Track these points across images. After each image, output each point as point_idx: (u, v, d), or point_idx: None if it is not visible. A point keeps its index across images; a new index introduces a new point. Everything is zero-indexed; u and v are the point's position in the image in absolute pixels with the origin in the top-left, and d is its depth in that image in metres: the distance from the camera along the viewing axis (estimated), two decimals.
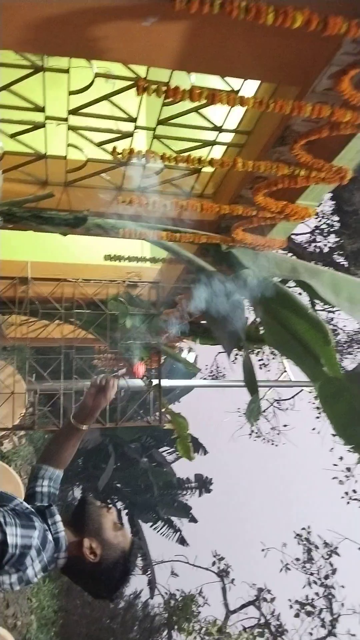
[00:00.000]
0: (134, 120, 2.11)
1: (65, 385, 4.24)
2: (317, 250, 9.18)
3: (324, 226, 8.74)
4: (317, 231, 8.88)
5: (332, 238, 8.60)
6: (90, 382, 2.00)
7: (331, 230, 8.57)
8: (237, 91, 1.92)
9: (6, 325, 4.18)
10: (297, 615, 9.66)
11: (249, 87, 1.96)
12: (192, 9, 1.20)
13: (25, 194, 2.33)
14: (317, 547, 9.83)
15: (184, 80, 1.87)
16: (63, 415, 4.12)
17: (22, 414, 4.31)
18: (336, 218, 7.02)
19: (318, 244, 9.21)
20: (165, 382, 7.45)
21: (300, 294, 2.64)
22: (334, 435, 2.30)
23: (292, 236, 9.33)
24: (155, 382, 4.26)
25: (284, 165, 1.81)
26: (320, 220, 8.82)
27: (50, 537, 1.52)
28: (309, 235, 9.26)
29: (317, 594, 9.54)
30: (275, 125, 1.89)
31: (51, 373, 4.24)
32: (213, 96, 1.46)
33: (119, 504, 17.09)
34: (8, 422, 3.92)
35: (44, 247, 3.80)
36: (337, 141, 1.78)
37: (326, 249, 8.91)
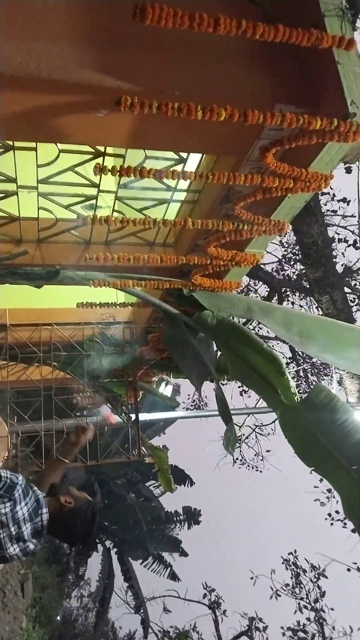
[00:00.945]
0: (97, 185, 2.37)
1: (46, 426, 4.36)
2: (286, 277, 9.55)
3: (290, 255, 9.15)
4: (284, 260, 9.27)
5: (299, 265, 8.99)
6: (75, 425, 2.41)
7: (297, 258, 8.97)
8: (185, 160, 2.19)
9: None
10: None
11: (196, 156, 2.23)
12: (135, 111, 1.47)
13: (1, 253, 2.54)
14: (305, 570, 9.88)
15: (140, 151, 2.14)
16: (45, 455, 4.24)
17: (5, 457, 4.42)
18: (298, 248, 7.40)
19: (287, 272, 9.59)
20: (145, 416, 7.58)
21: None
22: None
23: (262, 266, 9.69)
24: (134, 417, 4.42)
25: (228, 221, 2.08)
26: (286, 250, 9.22)
27: (31, 492, 2.11)
28: (277, 264, 9.64)
29: (308, 619, 9.55)
30: (220, 187, 2.16)
31: (32, 414, 4.38)
32: (160, 173, 1.72)
33: (108, 543, 16.84)
34: None
35: (20, 294, 4.00)
36: (272, 200, 2.05)
37: (294, 276, 9.29)
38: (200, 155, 2.25)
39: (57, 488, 2.30)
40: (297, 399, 2.33)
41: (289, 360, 10.44)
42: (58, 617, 15.37)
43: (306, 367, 10.64)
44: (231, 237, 2.12)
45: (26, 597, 10.35)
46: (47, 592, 12.87)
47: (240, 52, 1.77)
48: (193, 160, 2.23)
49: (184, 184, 2.45)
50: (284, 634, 9.79)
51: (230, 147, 1.89)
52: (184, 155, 2.20)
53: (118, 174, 1.71)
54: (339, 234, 8.90)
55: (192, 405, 12.90)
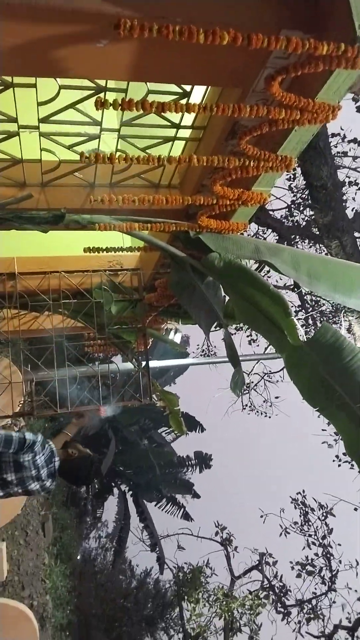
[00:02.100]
0: (99, 123, 2.31)
1: (59, 373, 4.45)
2: (295, 224, 9.41)
3: (299, 201, 8.98)
4: (293, 206, 9.11)
5: (308, 211, 8.84)
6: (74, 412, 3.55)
7: (306, 204, 8.81)
8: (189, 94, 2.12)
9: None
10: (299, 576, 10.14)
11: (200, 89, 2.16)
12: (135, 35, 1.42)
13: (5, 197, 2.52)
14: (313, 509, 10.27)
15: (142, 86, 2.07)
16: (59, 401, 4.35)
17: (21, 402, 4.55)
18: (308, 192, 7.25)
19: (296, 219, 9.44)
20: (156, 363, 7.69)
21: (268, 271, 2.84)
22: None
23: (270, 212, 9.54)
24: (144, 363, 4.48)
25: (234, 157, 2.04)
26: (295, 195, 9.05)
27: (47, 446, 3.04)
28: (286, 210, 9.48)
29: (316, 554, 10.02)
30: (225, 122, 2.10)
31: (45, 362, 4.46)
32: (163, 106, 1.68)
33: (123, 487, 17.49)
34: (8, 410, 4.15)
35: (28, 242, 3.99)
36: (279, 134, 2.00)
37: (303, 223, 9.15)
38: (204, 88, 2.18)
39: (67, 443, 3.20)
40: (303, 339, 2.34)
41: (297, 308, 10.44)
42: (78, 557, 16.22)
43: (315, 315, 10.65)
44: (237, 174, 2.08)
45: (47, 536, 10.90)
46: (66, 532, 13.53)
47: None
48: (197, 95, 2.16)
49: (188, 120, 2.39)
50: (292, 568, 10.30)
51: (235, 78, 1.83)
52: (188, 89, 2.13)
53: (120, 107, 1.67)
54: (349, 177, 8.70)
55: (201, 355, 13.06)
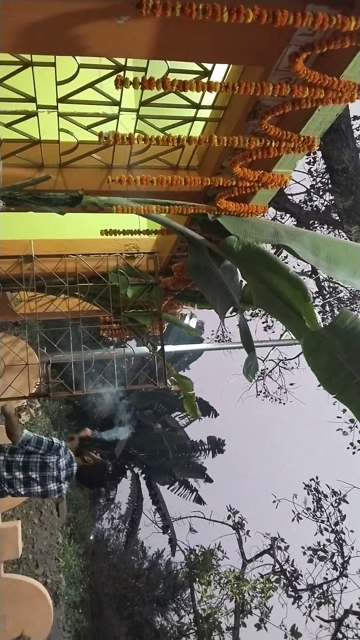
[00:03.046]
0: (118, 104, 2.28)
1: (75, 356, 4.48)
2: (315, 209, 9.27)
3: (318, 185, 8.83)
4: (312, 191, 8.96)
5: (328, 196, 8.69)
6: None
7: (326, 188, 8.66)
8: (210, 73, 2.08)
9: (15, 301, 4.41)
10: (310, 561, 10.20)
11: (221, 68, 2.11)
12: (157, 14, 1.38)
13: (23, 178, 2.51)
14: (326, 496, 10.29)
15: (162, 65, 2.03)
16: (75, 383, 4.38)
17: (37, 384, 4.59)
18: (328, 176, 7.12)
19: (315, 203, 9.30)
20: (171, 348, 7.71)
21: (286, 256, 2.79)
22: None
23: (289, 197, 9.41)
24: (159, 347, 4.49)
25: (255, 138, 2.00)
26: (315, 179, 8.90)
27: (68, 451, 3.40)
28: (305, 195, 9.34)
29: (328, 540, 10.07)
30: (246, 101, 2.05)
31: (61, 345, 4.49)
32: (184, 84, 1.64)
33: (136, 469, 17.67)
34: (25, 391, 4.20)
35: (45, 225, 3.99)
36: (301, 114, 1.95)
37: (323, 208, 9.02)
38: (225, 67, 2.14)
39: (82, 451, 3.54)
40: (322, 325, 2.31)
41: (314, 295, 10.34)
42: (91, 537, 16.48)
43: (332, 302, 10.54)
44: (258, 155, 2.04)
45: (61, 516, 11.08)
46: (80, 512, 13.74)
47: None
48: (218, 74, 2.12)
49: (208, 100, 2.34)
50: (304, 553, 10.36)
51: (258, 56, 1.78)
52: (209, 67, 2.09)
53: (140, 86, 1.64)
54: None
55: (216, 340, 13.03)
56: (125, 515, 18.22)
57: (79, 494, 14.27)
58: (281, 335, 9.46)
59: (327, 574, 10.42)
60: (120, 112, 2.34)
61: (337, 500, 10.22)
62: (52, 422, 12.91)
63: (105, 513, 19.15)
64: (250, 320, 10.60)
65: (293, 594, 10.69)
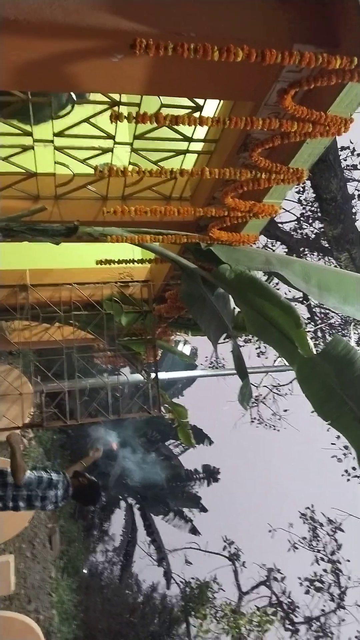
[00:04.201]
0: (112, 137, 2.35)
1: (69, 384, 4.47)
2: (305, 237, 9.42)
3: (308, 213, 9.00)
4: (302, 219, 9.12)
5: (317, 224, 8.85)
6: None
7: (315, 216, 8.82)
8: (201, 108, 2.15)
9: (9, 331, 4.41)
10: (307, 592, 9.99)
11: (212, 103, 2.19)
12: (150, 53, 1.44)
13: (20, 210, 2.55)
14: (321, 525, 10.15)
15: (155, 100, 2.11)
16: (69, 412, 4.35)
17: (31, 413, 4.56)
18: (317, 205, 7.27)
19: (305, 231, 9.45)
20: (165, 375, 7.69)
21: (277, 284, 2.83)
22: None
23: (280, 225, 9.56)
24: (153, 375, 4.49)
25: (246, 170, 2.06)
26: (304, 208, 9.07)
27: (63, 478, 3.61)
28: (295, 223, 9.50)
29: (325, 570, 9.87)
30: (237, 135, 2.12)
31: (55, 374, 4.48)
32: (176, 119, 1.70)
33: (130, 500, 17.36)
34: (18, 421, 4.16)
35: (40, 254, 4.03)
36: (290, 147, 2.01)
37: (313, 236, 9.16)
38: (216, 102, 2.21)
39: (76, 472, 3.78)
40: (314, 351, 2.32)
41: (306, 321, 10.40)
42: (85, 570, 16.06)
43: (324, 327, 10.60)
44: (249, 186, 2.09)
45: (54, 549, 10.83)
46: (73, 545, 13.43)
47: None
48: (209, 108, 2.19)
49: (200, 133, 2.41)
50: (301, 584, 10.16)
51: (248, 92, 1.85)
52: (200, 103, 2.16)
53: (134, 120, 1.70)
54: (358, 190, 8.70)
55: (209, 367, 13.02)
56: (119, 548, 17.81)
57: (72, 527, 13.98)
58: (274, 361, 9.48)
59: (324, 606, 10.21)
60: (115, 146, 2.41)
61: (333, 529, 10.08)
62: (45, 452, 12.72)
63: (99, 545, 18.72)
64: (244, 346, 10.63)
65: (290, 627, 10.43)
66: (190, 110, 2.16)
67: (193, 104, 2.16)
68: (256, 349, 10.84)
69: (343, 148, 8.56)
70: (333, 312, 10.15)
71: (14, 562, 6.51)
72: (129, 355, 4.49)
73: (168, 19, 1.60)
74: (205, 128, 2.46)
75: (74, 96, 2.08)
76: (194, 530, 15.91)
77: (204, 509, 16.16)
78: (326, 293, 2.44)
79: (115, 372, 5.63)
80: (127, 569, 17.44)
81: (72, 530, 13.87)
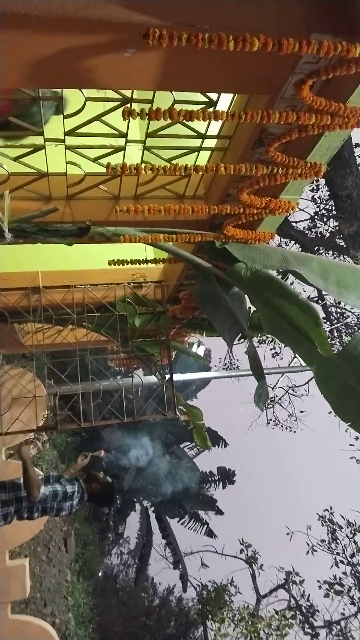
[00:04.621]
0: (124, 135, 2.31)
1: (82, 387, 4.44)
2: (319, 235, 9.32)
3: (322, 212, 8.90)
4: (316, 217, 9.02)
5: (332, 222, 8.75)
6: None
7: (330, 215, 8.72)
8: (215, 103, 2.10)
9: (23, 333, 4.40)
10: (326, 595, 9.85)
11: (226, 98, 2.14)
12: (164, 44, 1.40)
13: (31, 210, 2.52)
14: (340, 527, 10.01)
15: (167, 96, 2.06)
16: (83, 415, 4.33)
17: (44, 416, 4.54)
18: (332, 203, 7.17)
19: (319, 229, 9.35)
20: (179, 376, 7.65)
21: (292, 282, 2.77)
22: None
23: (293, 224, 9.48)
24: (168, 376, 4.44)
25: (262, 165, 2.01)
26: (318, 206, 8.97)
27: (80, 486, 3.68)
28: (309, 221, 9.41)
29: (344, 573, 9.74)
30: (252, 130, 2.07)
31: (68, 376, 4.45)
32: (190, 114, 1.66)
33: (145, 502, 17.34)
34: (32, 424, 4.15)
35: (52, 256, 4.02)
36: (308, 140, 1.96)
37: (327, 234, 9.06)
38: (230, 97, 2.16)
39: (90, 477, 3.81)
40: (334, 350, 2.27)
41: (322, 321, 10.27)
42: (100, 573, 16.07)
43: (340, 327, 10.49)
44: (265, 182, 2.04)
45: (69, 552, 10.83)
46: (89, 548, 13.44)
47: None
48: (223, 104, 2.14)
49: (214, 130, 2.37)
50: (320, 587, 10.02)
51: (264, 84, 1.80)
52: (214, 98, 2.11)
53: (147, 116, 1.65)
54: None
55: (223, 368, 12.96)
56: (134, 551, 17.80)
57: (87, 529, 13.99)
58: (290, 362, 9.39)
59: (344, 609, 10.06)
60: (127, 144, 2.36)
61: (353, 531, 9.94)
62: (59, 454, 12.76)
63: (114, 548, 18.72)
64: (258, 347, 10.54)
65: (310, 631, 10.30)
66: (204, 105, 2.11)
67: (207, 99, 2.11)
68: (270, 349, 10.76)
69: (357, 145, 8.47)
70: (349, 311, 10.03)
71: (30, 565, 6.50)
72: (142, 356, 4.45)
73: (181, 11, 1.55)
74: (219, 125, 2.41)
75: (85, 94, 2.04)
76: (210, 533, 15.83)
77: (220, 512, 16.07)
78: (345, 290, 2.38)
79: (129, 375, 5.60)
80: (142, 571, 17.43)
81: (87, 533, 13.89)
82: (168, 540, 16.25)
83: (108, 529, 17.92)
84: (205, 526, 16.06)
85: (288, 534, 10.79)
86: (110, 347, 4.86)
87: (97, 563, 15.16)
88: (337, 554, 9.91)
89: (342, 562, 9.81)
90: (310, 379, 10.61)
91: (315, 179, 2.09)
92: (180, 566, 15.87)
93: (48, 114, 2.45)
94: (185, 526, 16.29)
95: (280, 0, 1.66)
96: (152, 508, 17.23)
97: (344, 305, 10.39)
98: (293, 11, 1.66)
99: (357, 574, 9.61)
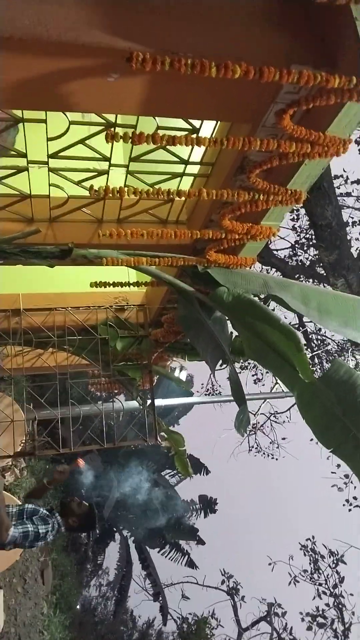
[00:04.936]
0: (108, 159, 2.32)
1: (62, 412, 4.36)
2: (300, 263, 9.45)
3: (303, 240, 9.04)
4: (297, 246, 9.16)
5: (312, 251, 8.88)
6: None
7: (310, 243, 8.86)
8: (198, 130, 2.13)
9: (2, 356, 4.33)
10: (309, 628, 9.64)
11: (209, 126, 2.17)
12: (147, 68, 1.42)
13: (13, 232, 2.51)
14: (323, 556, 9.88)
15: (150, 122, 2.09)
16: (61, 440, 4.24)
17: (22, 442, 4.44)
18: (312, 232, 7.30)
19: (300, 258, 9.48)
20: (161, 402, 7.57)
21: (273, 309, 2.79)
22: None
23: (275, 252, 9.60)
24: (149, 401, 4.39)
25: (244, 191, 2.03)
26: (299, 235, 9.12)
27: (56, 522, 3.38)
28: (290, 250, 9.54)
29: (327, 604, 9.57)
30: (234, 157, 2.10)
31: (48, 401, 4.37)
32: (173, 139, 1.67)
33: (125, 532, 16.95)
34: (10, 450, 4.04)
35: (34, 278, 3.99)
36: (288, 168, 1.99)
37: (308, 262, 9.19)
38: (213, 124, 2.20)
39: (65, 509, 3.49)
40: (316, 376, 2.26)
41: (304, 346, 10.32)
42: (78, 606, 15.55)
43: (321, 354, 10.55)
44: (247, 208, 2.06)
45: (46, 584, 10.48)
46: (66, 579, 13.02)
47: (251, 13, 1.70)
48: (206, 131, 2.17)
49: (196, 156, 2.40)
50: (303, 620, 9.82)
51: (245, 113, 1.83)
52: (197, 124, 2.15)
53: (130, 140, 1.67)
54: (352, 217, 8.79)
55: (205, 394, 12.89)
56: (113, 582, 17.28)
57: (65, 560, 13.58)
58: (271, 389, 9.37)
59: None
60: (111, 168, 2.38)
61: (335, 561, 9.81)
62: (37, 482, 12.45)
63: (93, 579, 18.16)
64: (240, 372, 10.54)
65: None
66: (187, 132, 2.14)
67: (190, 126, 2.14)
68: (252, 375, 10.76)
69: (336, 177, 8.67)
70: (330, 338, 10.11)
71: (4, 598, 6.26)
72: (124, 380, 4.40)
73: (164, 38, 1.58)
74: (202, 151, 2.44)
75: (69, 117, 2.06)
76: (191, 564, 15.48)
77: (201, 541, 15.77)
78: (326, 316, 2.39)
79: (110, 400, 5.53)
80: (121, 604, 16.92)
81: (65, 563, 13.47)
82: (148, 571, 15.85)
83: (87, 560, 17.42)
84: (186, 556, 15.71)
85: (270, 564, 10.62)
86: (91, 371, 4.80)
87: (75, 595, 14.68)
88: (320, 584, 9.75)
89: (324, 592, 9.65)
90: (292, 406, 10.61)
91: (295, 206, 2.11)
92: (161, 598, 15.45)
93: (12, 134, 2.46)
94: (165, 556, 15.92)
95: (262, 32, 1.71)
96: (132, 538, 16.84)
97: (325, 333, 10.48)
98: (275, 43, 1.70)
99: (340, 606, 9.45)
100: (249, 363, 9.97)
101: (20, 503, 4.30)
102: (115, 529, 16.91)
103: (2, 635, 7.60)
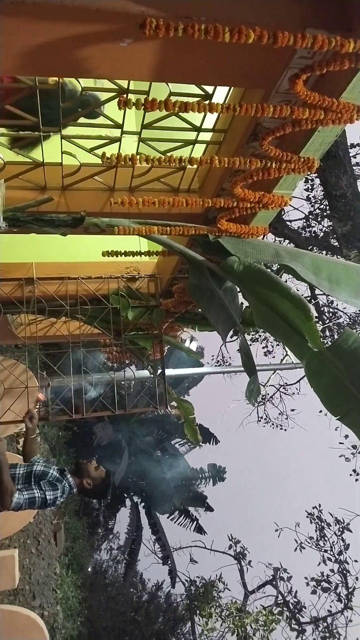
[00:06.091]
0: (120, 126, 2.32)
1: (75, 379, 4.45)
2: (313, 235, 9.37)
3: (317, 211, 8.94)
4: (311, 217, 9.07)
5: (326, 222, 8.79)
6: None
7: (324, 214, 8.76)
8: (211, 96, 2.12)
9: (16, 325, 4.40)
10: (314, 592, 9.93)
11: (222, 92, 2.16)
12: (160, 34, 1.41)
13: (26, 200, 2.53)
14: (329, 524, 10.09)
15: (163, 89, 2.07)
16: (74, 407, 4.34)
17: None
18: (326, 203, 7.21)
19: (313, 229, 9.40)
20: (171, 372, 7.67)
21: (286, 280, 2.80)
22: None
23: (288, 223, 9.51)
24: (160, 371, 4.46)
25: (256, 159, 2.02)
26: (313, 206, 9.02)
27: (66, 484, 3.29)
28: (303, 221, 9.45)
29: (332, 570, 9.82)
30: (246, 124, 2.08)
31: (61, 368, 4.46)
32: (185, 105, 1.67)
33: (135, 498, 17.36)
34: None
35: (46, 247, 4.02)
36: (301, 135, 1.98)
37: (321, 234, 9.10)
38: (226, 90, 2.18)
39: (81, 470, 3.41)
40: (325, 345, 2.28)
41: (315, 320, 10.32)
42: (89, 568, 16.09)
43: (332, 326, 10.55)
44: (258, 176, 2.06)
45: (59, 545, 10.85)
46: (78, 542, 13.45)
47: None
48: (218, 97, 2.15)
49: (209, 123, 2.38)
50: (307, 584, 10.10)
51: (258, 78, 1.81)
52: (210, 91, 2.13)
53: (143, 107, 1.67)
54: None
55: (216, 365, 12.98)
56: (124, 546, 17.83)
57: (77, 523, 14.00)
58: (281, 360, 9.42)
59: (331, 606, 10.15)
60: (123, 135, 2.37)
61: (341, 529, 10.01)
62: (50, 448, 12.75)
63: (104, 543, 18.74)
64: (251, 345, 10.58)
65: (297, 627, 10.38)
66: (199, 98, 2.13)
67: (202, 92, 2.12)
68: (263, 347, 10.81)
69: (352, 145, 8.50)
70: (341, 311, 10.09)
71: (19, 557, 6.52)
72: (135, 350, 4.46)
73: (178, 3, 1.56)
74: (214, 118, 2.42)
75: (82, 84, 2.05)
76: (199, 529, 15.88)
77: (209, 508, 16.13)
78: (337, 286, 2.40)
79: (122, 369, 5.61)
80: (131, 567, 17.47)
81: (77, 527, 13.90)
82: (157, 536, 16.30)
83: (98, 524, 17.93)
84: (195, 522, 16.12)
85: (277, 530, 10.87)
86: (103, 340, 4.87)
87: (87, 557, 15.18)
88: (325, 551, 9.99)
89: (329, 559, 9.90)
90: (302, 378, 10.68)
91: (309, 174, 2.11)
92: (169, 562, 15.93)
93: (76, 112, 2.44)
94: (174, 522, 16.35)
95: None
96: (143, 504, 17.27)
97: (337, 305, 10.45)
98: (289, 6, 1.67)
99: (344, 572, 9.70)
100: (259, 335, 10.00)
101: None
102: (126, 495, 17.33)
103: (17, 592, 7.93)
